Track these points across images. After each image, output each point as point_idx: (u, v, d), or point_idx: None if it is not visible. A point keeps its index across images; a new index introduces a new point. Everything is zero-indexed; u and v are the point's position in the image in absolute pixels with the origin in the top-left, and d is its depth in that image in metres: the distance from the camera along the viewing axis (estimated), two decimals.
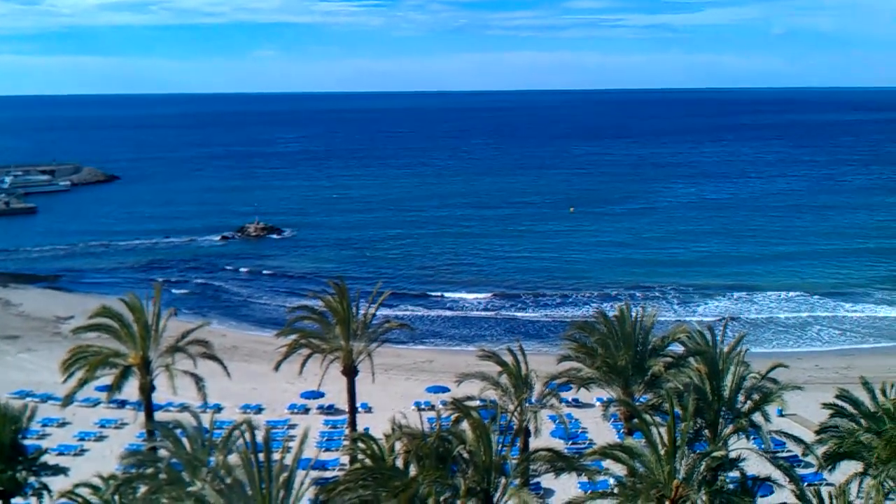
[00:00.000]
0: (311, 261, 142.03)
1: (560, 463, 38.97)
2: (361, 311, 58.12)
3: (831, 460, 42.32)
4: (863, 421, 42.16)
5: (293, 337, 57.83)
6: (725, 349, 46.40)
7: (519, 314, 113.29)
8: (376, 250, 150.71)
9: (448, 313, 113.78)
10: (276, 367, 57.53)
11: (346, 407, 60.26)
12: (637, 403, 46.67)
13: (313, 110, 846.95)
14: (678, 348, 49.38)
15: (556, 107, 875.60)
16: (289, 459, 34.81)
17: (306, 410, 74.81)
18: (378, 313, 60.57)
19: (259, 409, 74.23)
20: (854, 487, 40.03)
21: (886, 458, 38.34)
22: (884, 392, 43.15)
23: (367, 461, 38.25)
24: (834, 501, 36.60)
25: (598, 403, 70.42)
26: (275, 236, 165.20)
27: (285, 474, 34.04)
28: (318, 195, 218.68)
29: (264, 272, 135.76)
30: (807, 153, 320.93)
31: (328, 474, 55.19)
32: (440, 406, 64.12)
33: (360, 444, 39.84)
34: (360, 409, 63.99)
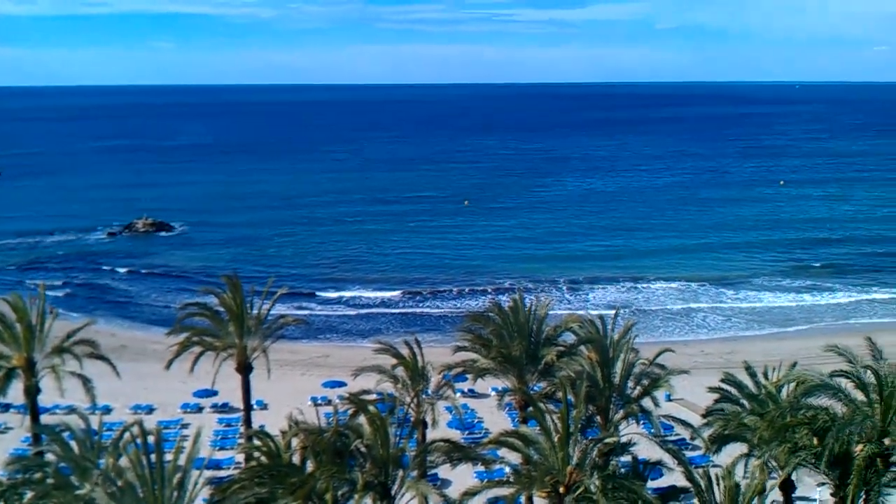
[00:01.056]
0: (202, 258, 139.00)
1: (457, 453, 39.30)
2: (255, 308, 57.33)
3: (718, 442, 43.84)
4: (746, 403, 43.80)
5: (185, 335, 56.63)
6: (615, 337, 47.57)
7: (415, 308, 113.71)
8: (271, 247, 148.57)
9: (344, 309, 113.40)
10: (168, 366, 56.23)
11: (240, 405, 59.38)
12: (531, 392, 47.48)
13: (209, 103, 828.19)
14: (570, 337, 50.37)
15: (453, 101, 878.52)
16: (182, 459, 34.17)
17: (199, 409, 73.59)
18: (273, 310, 59.82)
19: (150, 410, 72.69)
20: (740, 468, 41.54)
21: (769, 439, 39.88)
22: (766, 375, 44.90)
23: (263, 459, 37.85)
24: (721, 482, 37.85)
25: (493, 393, 71.22)
26: (164, 233, 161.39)
27: (179, 475, 33.43)
28: (210, 190, 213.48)
29: (153, 269, 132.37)
30: (692, 146, 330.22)
31: (223, 473, 54.41)
32: (337, 401, 63.82)
33: (256, 442, 39.41)
34: (255, 407, 63.20)
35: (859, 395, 39.51)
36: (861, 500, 38.17)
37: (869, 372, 39.22)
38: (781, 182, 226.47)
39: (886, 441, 37.11)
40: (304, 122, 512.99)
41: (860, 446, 36.92)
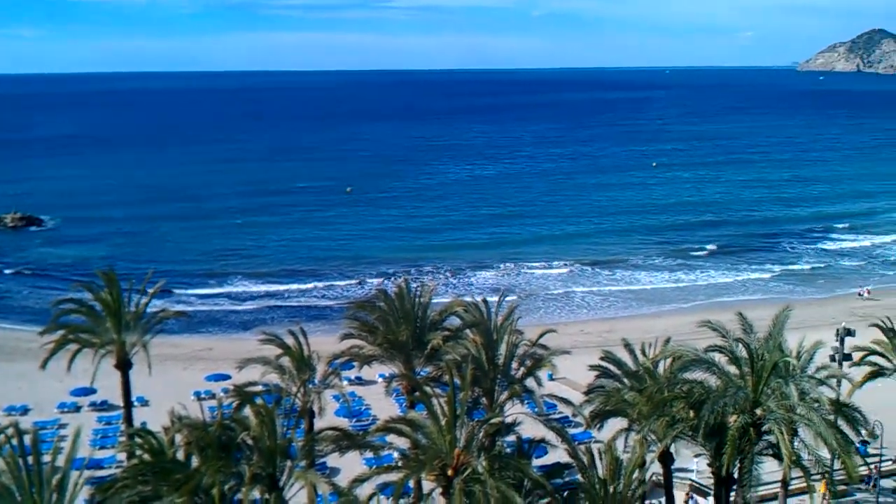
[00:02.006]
0: (76, 253, 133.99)
1: (345, 441, 39.32)
2: (134, 302, 55.80)
3: (599, 418, 45.19)
4: (626, 380, 45.21)
5: (60, 332, 54.74)
6: (499, 320, 48.37)
7: (300, 299, 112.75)
8: (150, 241, 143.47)
9: (227, 302, 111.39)
10: (43, 365, 54.19)
11: (120, 402, 57.75)
12: (418, 377, 47.83)
13: (78, 92, 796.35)
14: (456, 321, 50.91)
15: (332, 88, 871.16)
16: (61, 460, 33.19)
17: (77, 408, 71.35)
18: (154, 304, 58.33)
19: (25, 410, 70.02)
20: (621, 442, 42.88)
21: (648, 413, 41.30)
22: (643, 352, 46.41)
23: (146, 456, 37.00)
24: (603, 457, 38.99)
25: (380, 380, 71.38)
26: (34, 228, 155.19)
27: (58, 476, 32.47)
28: (83, 183, 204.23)
29: (24, 266, 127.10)
30: (569, 132, 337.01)
31: (104, 473, 53.03)
32: (221, 394, 62.91)
33: (138, 440, 38.49)
34: (136, 404, 61.54)
35: (732, 369, 41.25)
36: (736, 468, 39.94)
37: (741, 346, 40.97)
38: (654, 164, 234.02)
39: (758, 411, 38.84)
40: (181, 111, 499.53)
41: (734, 417, 38.53)
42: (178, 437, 36.93)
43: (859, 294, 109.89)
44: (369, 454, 46.10)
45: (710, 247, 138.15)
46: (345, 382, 67.42)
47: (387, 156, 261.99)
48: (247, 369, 50.40)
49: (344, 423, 59.09)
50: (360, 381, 74.79)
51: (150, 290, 56.74)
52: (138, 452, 37.74)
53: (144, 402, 68.95)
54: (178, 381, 76.02)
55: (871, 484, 55.26)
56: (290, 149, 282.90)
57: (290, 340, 50.56)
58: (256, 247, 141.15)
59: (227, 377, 70.46)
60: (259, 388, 43.77)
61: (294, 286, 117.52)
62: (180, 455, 36.40)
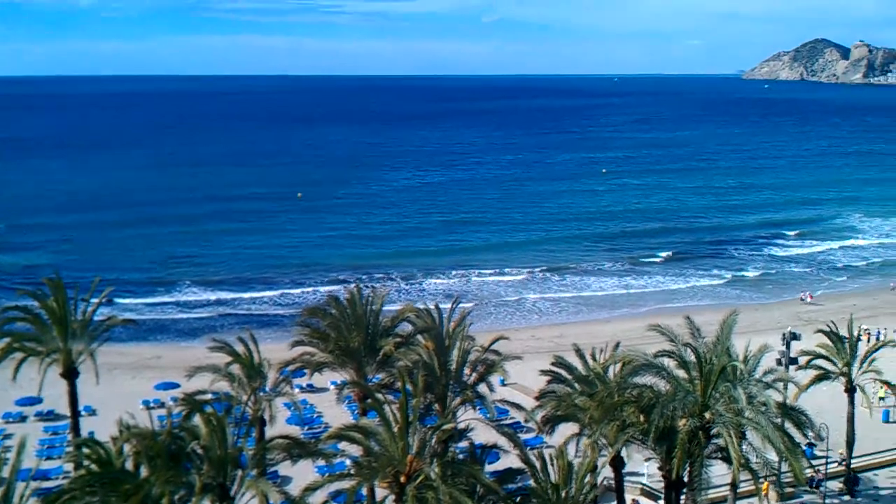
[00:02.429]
0: (21, 260, 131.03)
1: (296, 450, 39.03)
2: (81, 310, 54.89)
3: (550, 423, 45.49)
4: (577, 385, 45.53)
5: (5, 340, 53.66)
6: (451, 326, 48.45)
7: (251, 306, 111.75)
8: (97, 249, 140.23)
9: (177, 310, 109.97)
10: None
11: (67, 411, 56.82)
12: (370, 383, 47.73)
13: (15, 95, 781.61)
14: (408, 327, 50.90)
15: (277, 92, 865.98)
16: (6, 472, 32.54)
17: (23, 418, 70.15)
18: (101, 312, 57.41)
19: None
20: (572, 447, 43.16)
21: (599, 418, 41.63)
22: (594, 357, 46.80)
23: (94, 466, 36.44)
24: (555, 462, 39.22)
25: (332, 387, 71.02)
26: None
27: (2, 488, 31.85)
28: (26, 189, 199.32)
29: None
30: (520, 139, 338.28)
31: (51, 484, 52.07)
32: (170, 402, 62.08)
33: (85, 450, 37.88)
34: (83, 413, 60.61)
35: (681, 373, 41.72)
36: (686, 471, 40.40)
37: (689, 350, 41.45)
38: (604, 171, 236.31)
39: (707, 415, 39.34)
40: (128, 116, 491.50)
41: (683, 421, 38.98)
42: (127, 447, 36.40)
43: (802, 299, 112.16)
44: (321, 462, 45.83)
45: (661, 253, 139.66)
46: (296, 390, 67.10)
47: (338, 161, 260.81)
48: (196, 377, 49.94)
49: (295, 430, 58.90)
50: (311, 389, 74.38)
51: (97, 299, 55.90)
52: (86, 463, 37.12)
53: (92, 412, 68.04)
54: (127, 390, 75.08)
55: (816, 485, 56.23)
56: (240, 153, 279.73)
57: (240, 348, 50.16)
58: (206, 253, 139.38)
59: (176, 385, 69.55)
60: (209, 396, 43.27)
61: (244, 294, 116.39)
62: (129, 465, 35.88)
